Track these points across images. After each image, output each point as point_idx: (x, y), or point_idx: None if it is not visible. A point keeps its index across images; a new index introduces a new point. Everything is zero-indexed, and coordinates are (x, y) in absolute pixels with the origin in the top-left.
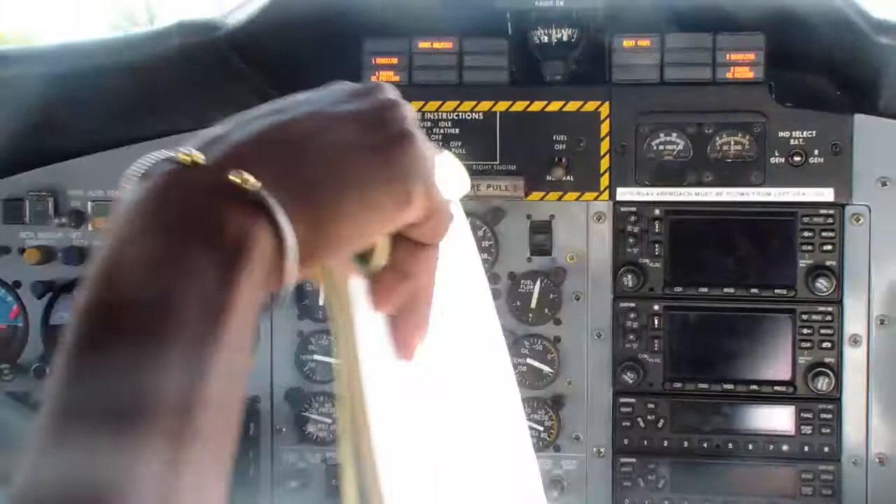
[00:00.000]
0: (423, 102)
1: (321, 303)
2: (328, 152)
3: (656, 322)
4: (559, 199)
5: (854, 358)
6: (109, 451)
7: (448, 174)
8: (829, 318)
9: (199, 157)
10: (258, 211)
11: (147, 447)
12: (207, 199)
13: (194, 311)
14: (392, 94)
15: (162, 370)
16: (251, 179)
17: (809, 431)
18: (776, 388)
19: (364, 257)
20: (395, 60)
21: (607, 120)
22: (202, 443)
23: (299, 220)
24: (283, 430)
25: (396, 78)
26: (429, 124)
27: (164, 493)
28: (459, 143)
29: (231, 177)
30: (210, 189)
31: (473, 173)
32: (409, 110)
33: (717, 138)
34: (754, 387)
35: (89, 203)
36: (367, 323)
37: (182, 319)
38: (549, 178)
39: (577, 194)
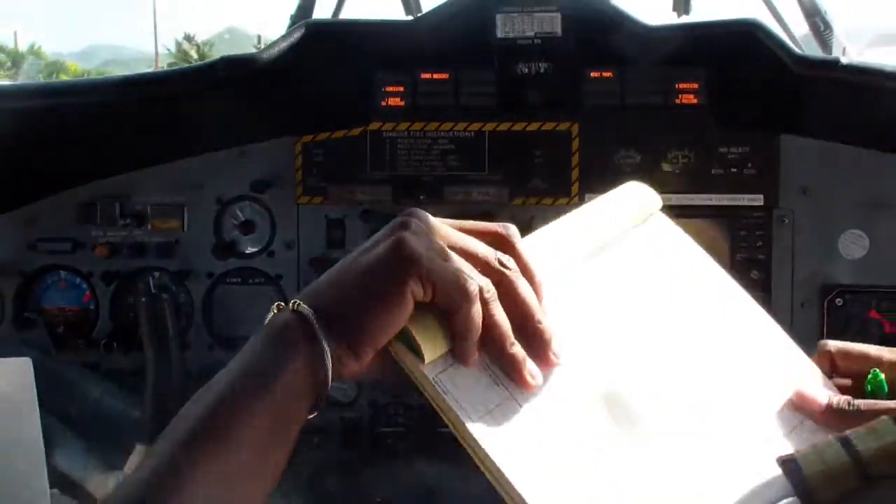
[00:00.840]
0: (424, 123)
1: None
2: (354, 279)
3: None
4: (537, 203)
5: None
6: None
7: (630, 201)
8: (758, 301)
9: (296, 302)
10: (308, 326)
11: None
12: (288, 320)
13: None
14: (403, 221)
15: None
16: (305, 307)
17: None
18: None
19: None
20: (401, 88)
21: (577, 138)
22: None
23: (334, 328)
24: None
25: (402, 102)
26: (429, 141)
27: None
28: (455, 157)
29: (294, 308)
30: (290, 316)
31: (467, 182)
32: (413, 223)
33: (668, 153)
34: None
35: (148, 207)
36: (466, 390)
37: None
38: (528, 186)
39: (552, 199)
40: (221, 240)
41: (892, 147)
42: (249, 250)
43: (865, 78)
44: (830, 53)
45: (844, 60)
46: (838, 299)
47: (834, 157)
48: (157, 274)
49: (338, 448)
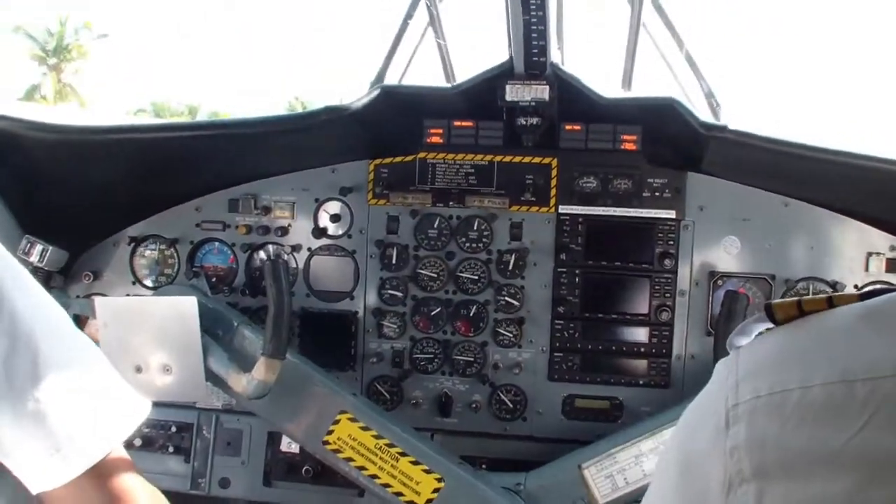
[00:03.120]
0: (454, 154)
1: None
2: None
3: (576, 280)
4: (527, 210)
5: (681, 303)
6: None
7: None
8: (669, 280)
9: None
10: None
11: None
12: None
13: None
14: None
15: None
16: None
17: (656, 342)
18: (639, 317)
19: None
20: (441, 130)
21: (555, 168)
22: None
23: None
24: (369, 330)
25: (441, 141)
26: (457, 166)
27: None
28: (474, 177)
29: None
30: None
31: (481, 194)
32: None
33: (614, 180)
34: (628, 316)
35: (272, 202)
36: None
37: None
38: (521, 198)
39: (538, 208)
40: (317, 225)
41: (752, 182)
42: (336, 233)
43: (742, 138)
44: (720, 121)
45: (730, 126)
46: (720, 280)
47: (720, 188)
48: (275, 246)
49: (389, 366)
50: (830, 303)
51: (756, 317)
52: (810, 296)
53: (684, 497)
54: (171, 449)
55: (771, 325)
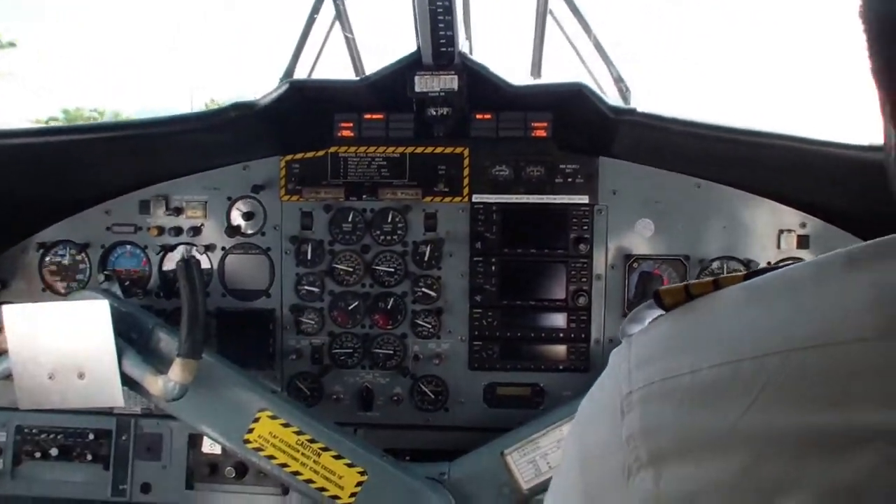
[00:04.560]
0: (366, 147)
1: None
2: None
3: (493, 268)
4: (441, 200)
5: (598, 287)
6: None
7: None
8: (585, 265)
9: None
10: None
11: None
12: None
13: None
14: None
15: None
16: None
17: (574, 326)
18: (557, 303)
19: None
20: (351, 124)
21: (467, 158)
22: None
23: None
24: (287, 327)
25: (351, 134)
26: (369, 159)
27: None
28: (386, 170)
29: None
30: None
31: (394, 186)
32: None
33: (527, 168)
34: (546, 302)
35: (183, 202)
36: None
37: None
38: (435, 189)
39: (451, 198)
40: (230, 224)
41: (664, 165)
42: (249, 231)
43: (651, 120)
44: (629, 104)
45: (639, 109)
46: (635, 263)
47: (632, 171)
48: (188, 247)
49: (309, 362)
50: (717, 285)
51: (646, 304)
52: (697, 280)
53: (587, 487)
54: (89, 457)
55: (661, 311)
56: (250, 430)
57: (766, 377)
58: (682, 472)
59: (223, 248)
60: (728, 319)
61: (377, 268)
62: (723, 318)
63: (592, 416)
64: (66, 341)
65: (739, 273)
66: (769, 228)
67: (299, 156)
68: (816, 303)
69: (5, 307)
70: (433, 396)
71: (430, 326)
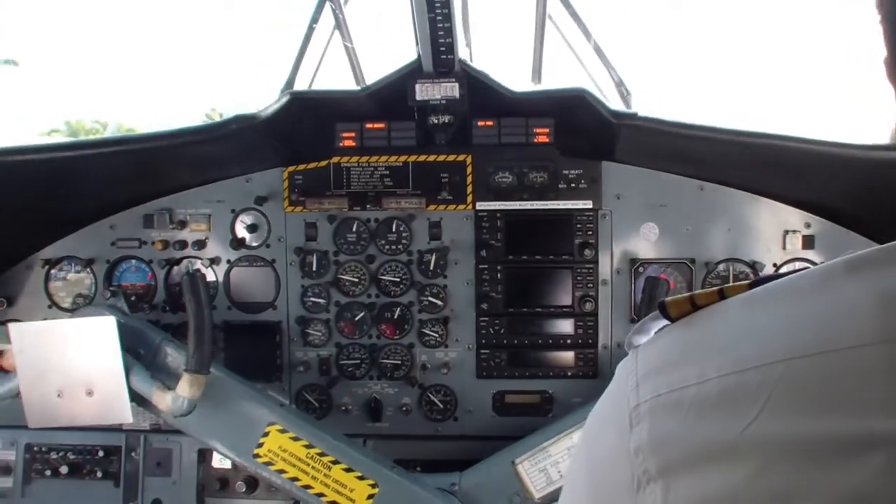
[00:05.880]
0: (368, 157)
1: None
2: None
3: (498, 275)
4: (445, 209)
5: (604, 292)
6: None
7: None
8: (590, 270)
9: None
10: None
11: None
12: None
13: None
14: None
15: None
16: None
17: (581, 332)
18: (563, 309)
19: None
20: (353, 133)
21: (470, 165)
22: None
23: None
24: (294, 339)
25: (353, 144)
26: (372, 168)
27: None
28: (389, 179)
29: None
30: None
31: (398, 196)
32: None
33: (530, 174)
34: (552, 309)
35: (187, 216)
36: None
37: None
38: (438, 197)
39: (455, 206)
40: (235, 237)
41: (667, 168)
42: (254, 244)
43: (653, 124)
44: (630, 109)
45: (641, 113)
46: (640, 268)
47: (635, 175)
48: (193, 260)
49: (316, 374)
50: (722, 294)
51: (652, 315)
52: (702, 290)
53: (595, 500)
54: (99, 474)
55: (667, 322)
56: (260, 445)
57: (772, 385)
58: (690, 484)
59: (228, 261)
60: (733, 329)
61: (382, 278)
62: (728, 327)
63: (600, 429)
64: (74, 358)
65: (744, 283)
66: (774, 229)
67: (302, 167)
68: (819, 309)
69: (12, 325)
70: (442, 406)
71: (437, 335)
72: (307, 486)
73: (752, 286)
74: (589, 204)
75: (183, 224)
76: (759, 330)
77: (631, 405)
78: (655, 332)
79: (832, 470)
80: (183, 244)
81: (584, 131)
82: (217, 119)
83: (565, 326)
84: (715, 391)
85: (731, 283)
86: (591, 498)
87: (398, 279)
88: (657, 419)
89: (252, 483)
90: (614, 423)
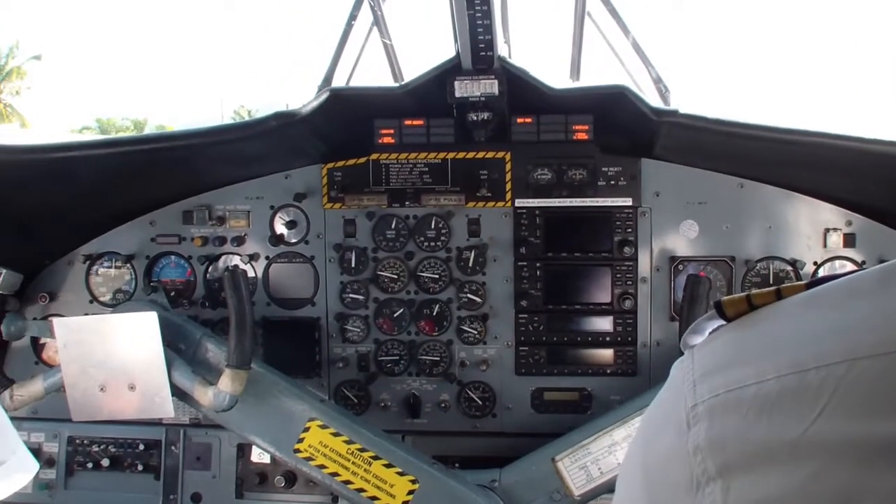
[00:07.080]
0: (407, 153)
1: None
2: None
3: (537, 272)
4: (484, 205)
5: (643, 290)
6: None
7: None
8: (630, 268)
9: None
10: None
11: None
12: None
13: None
14: None
15: None
16: None
17: (620, 330)
18: (603, 307)
19: None
20: (392, 130)
21: (509, 162)
22: None
23: None
24: (333, 335)
25: (392, 141)
26: (411, 165)
27: None
28: (428, 176)
29: None
30: None
31: (437, 192)
32: None
33: (569, 171)
34: (591, 306)
35: (227, 212)
36: None
37: None
38: (478, 194)
39: (494, 203)
40: (274, 233)
41: (706, 165)
42: (293, 240)
43: (693, 121)
44: (669, 106)
45: (681, 110)
46: (680, 265)
47: (674, 172)
48: (232, 256)
49: (355, 370)
50: (779, 294)
51: (708, 314)
52: (758, 290)
53: (652, 501)
54: (139, 467)
55: (723, 321)
56: (300, 440)
57: (833, 386)
58: (750, 484)
59: (267, 258)
60: (792, 328)
61: (421, 274)
62: (786, 327)
63: (657, 429)
64: (117, 353)
65: (801, 283)
66: (814, 227)
67: (341, 163)
68: (881, 309)
69: (56, 320)
70: (480, 402)
71: (475, 332)
72: (347, 482)
73: (809, 286)
74: (628, 201)
75: (222, 220)
76: (819, 330)
77: (688, 405)
78: (710, 332)
79: (894, 471)
80: (222, 240)
81: (623, 128)
82: (246, 116)
83: (604, 324)
84: (774, 391)
85: (787, 284)
86: (647, 498)
87: (437, 276)
88: (715, 419)
89: (291, 478)
90: (671, 422)
